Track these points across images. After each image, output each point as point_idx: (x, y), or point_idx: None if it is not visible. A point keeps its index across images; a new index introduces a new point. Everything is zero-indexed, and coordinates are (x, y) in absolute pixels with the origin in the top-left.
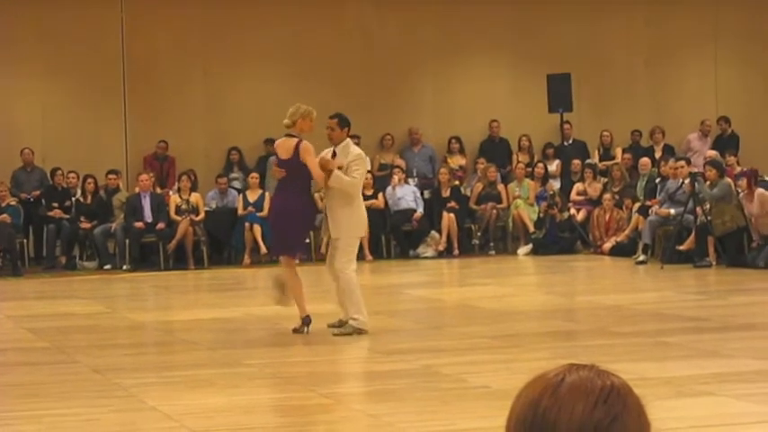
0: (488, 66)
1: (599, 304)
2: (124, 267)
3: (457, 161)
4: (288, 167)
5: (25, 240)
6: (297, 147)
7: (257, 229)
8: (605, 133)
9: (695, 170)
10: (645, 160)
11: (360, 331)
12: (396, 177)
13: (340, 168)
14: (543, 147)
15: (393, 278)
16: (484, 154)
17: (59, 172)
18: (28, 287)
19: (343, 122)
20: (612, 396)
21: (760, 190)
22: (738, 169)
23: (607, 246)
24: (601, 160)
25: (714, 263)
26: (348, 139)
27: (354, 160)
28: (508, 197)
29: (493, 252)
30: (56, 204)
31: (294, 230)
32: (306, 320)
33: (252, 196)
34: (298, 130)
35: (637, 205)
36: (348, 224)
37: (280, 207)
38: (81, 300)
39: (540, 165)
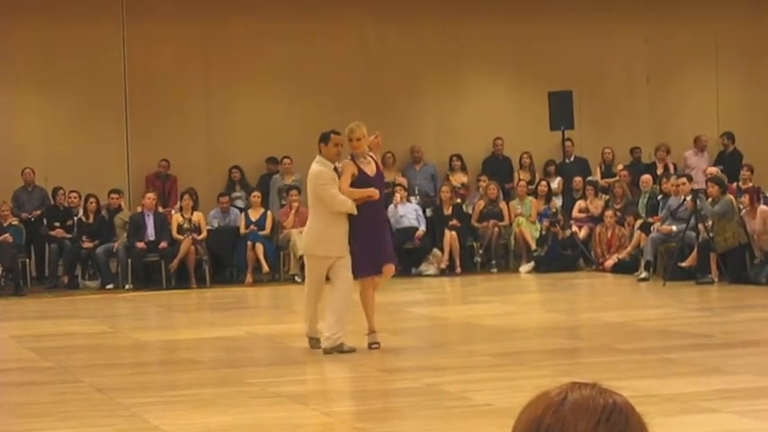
0: (489, 83)
1: (601, 321)
2: (126, 287)
3: (459, 179)
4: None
5: (27, 260)
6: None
7: (259, 247)
8: (606, 150)
9: (697, 187)
10: (646, 177)
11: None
12: (398, 195)
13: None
14: (545, 164)
15: (395, 296)
16: (487, 171)
17: (61, 191)
18: (30, 307)
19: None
20: (615, 414)
21: (762, 207)
22: (750, 185)
23: (609, 263)
24: (602, 177)
25: (716, 279)
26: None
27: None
28: (510, 215)
29: (495, 270)
30: (57, 224)
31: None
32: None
33: (254, 215)
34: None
35: (639, 222)
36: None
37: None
38: (84, 319)
39: (544, 183)
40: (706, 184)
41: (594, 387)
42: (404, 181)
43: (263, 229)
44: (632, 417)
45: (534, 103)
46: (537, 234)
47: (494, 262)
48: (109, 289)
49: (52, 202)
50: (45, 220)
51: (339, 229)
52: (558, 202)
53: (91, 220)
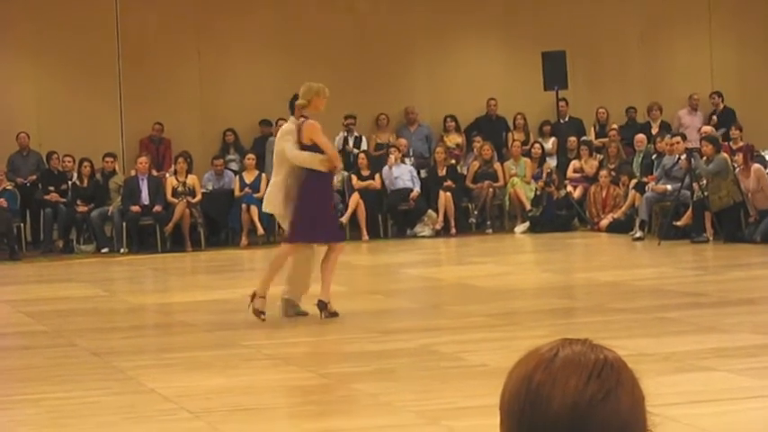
0: (482, 44)
1: (596, 281)
2: (122, 250)
3: (453, 139)
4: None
5: (22, 225)
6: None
7: (254, 210)
8: (601, 110)
9: (691, 146)
10: (641, 137)
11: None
12: (392, 157)
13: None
14: (540, 124)
15: (390, 258)
16: (481, 132)
17: (55, 156)
18: (26, 271)
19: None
20: (606, 370)
21: (756, 165)
22: (741, 144)
23: (604, 222)
24: (597, 137)
25: (711, 238)
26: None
27: None
28: (504, 175)
29: (490, 230)
30: (52, 188)
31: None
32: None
33: (248, 177)
34: (312, 109)
35: (633, 182)
36: None
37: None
38: (79, 283)
39: (537, 145)
40: (700, 142)
41: (585, 343)
42: (403, 142)
43: (258, 192)
44: (624, 372)
45: (527, 64)
46: (532, 194)
47: (488, 223)
48: (104, 253)
49: (47, 167)
50: (40, 185)
51: None
52: (552, 162)
53: (85, 183)
